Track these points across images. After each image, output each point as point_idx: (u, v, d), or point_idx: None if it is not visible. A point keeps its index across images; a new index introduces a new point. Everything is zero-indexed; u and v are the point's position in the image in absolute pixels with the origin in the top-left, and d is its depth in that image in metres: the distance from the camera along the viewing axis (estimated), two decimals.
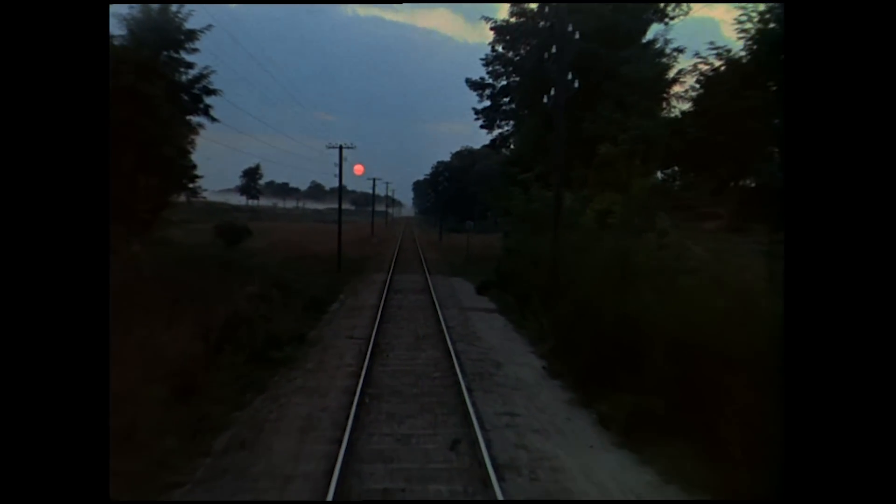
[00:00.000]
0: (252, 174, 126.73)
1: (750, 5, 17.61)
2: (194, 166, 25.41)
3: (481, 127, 41.93)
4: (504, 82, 40.98)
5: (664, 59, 26.38)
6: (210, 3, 26.80)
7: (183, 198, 26.31)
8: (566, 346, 11.82)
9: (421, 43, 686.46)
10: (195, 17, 23.88)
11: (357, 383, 11.11)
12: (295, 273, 29.51)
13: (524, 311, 16.16)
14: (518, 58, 33.80)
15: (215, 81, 25.80)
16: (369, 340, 14.51)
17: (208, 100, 26.19)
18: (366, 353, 13.25)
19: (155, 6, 23.10)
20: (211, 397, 10.18)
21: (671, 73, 25.85)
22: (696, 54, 20.90)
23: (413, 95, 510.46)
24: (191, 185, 26.00)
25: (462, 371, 12.04)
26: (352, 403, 9.95)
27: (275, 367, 12.49)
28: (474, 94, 41.67)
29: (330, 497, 6.88)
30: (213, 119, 26.80)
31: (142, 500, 6.82)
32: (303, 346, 14.39)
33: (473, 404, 10.10)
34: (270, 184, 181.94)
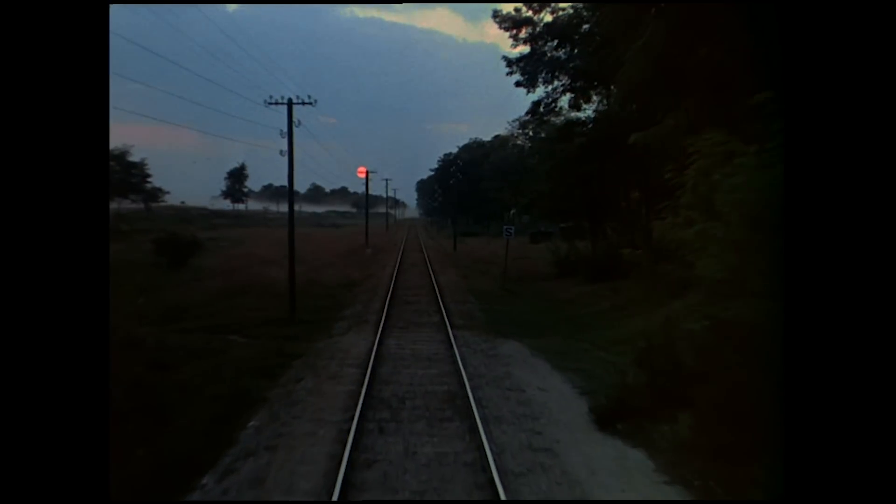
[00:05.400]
0: (237, 176, 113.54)
1: None
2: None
3: (517, 84, 28.73)
4: (549, 19, 27.53)
5: None
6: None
7: (141, 204, 19.83)
8: None
9: (421, 43, 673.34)
10: None
11: None
12: (206, 330, 16.06)
13: None
14: None
15: None
16: None
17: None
18: None
19: None
20: None
21: None
22: None
23: (414, 96, 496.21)
24: (148, 187, 18.06)
25: None
26: None
27: None
28: (507, 34, 28.22)
29: None
30: None
31: (142, 500, 6.54)
32: None
33: None
34: (268, 187, 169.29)
